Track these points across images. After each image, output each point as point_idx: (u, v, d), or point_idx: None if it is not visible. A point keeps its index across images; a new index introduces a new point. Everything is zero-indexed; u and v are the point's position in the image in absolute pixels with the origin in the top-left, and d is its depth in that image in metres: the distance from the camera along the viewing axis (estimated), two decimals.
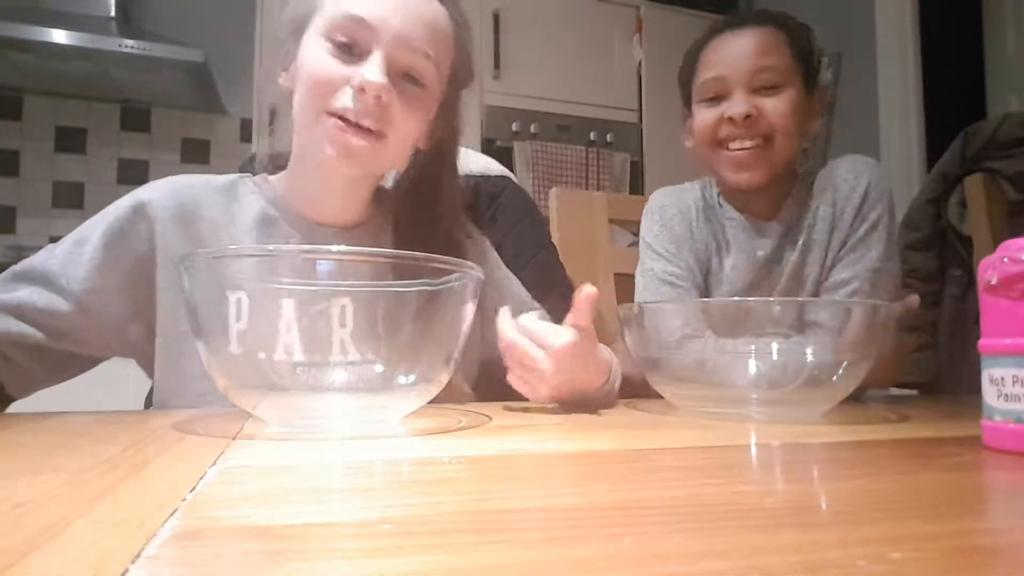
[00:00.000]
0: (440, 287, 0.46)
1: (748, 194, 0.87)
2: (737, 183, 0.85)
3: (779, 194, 0.87)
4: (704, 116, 0.85)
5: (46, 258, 0.64)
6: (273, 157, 0.75)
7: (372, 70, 0.61)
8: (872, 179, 0.85)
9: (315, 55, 0.63)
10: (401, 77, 0.64)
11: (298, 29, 0.67)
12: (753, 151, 0.82)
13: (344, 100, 0.62)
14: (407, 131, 0.66)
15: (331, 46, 0.63)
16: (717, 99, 0.84)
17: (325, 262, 0.43)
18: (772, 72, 0.82)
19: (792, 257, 0.86)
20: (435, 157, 0.74)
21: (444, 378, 0.48)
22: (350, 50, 0.63)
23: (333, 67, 0.62)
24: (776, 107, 0.82)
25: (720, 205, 0.91)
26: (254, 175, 0.75)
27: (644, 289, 0.90)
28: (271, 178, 0.75)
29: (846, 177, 0.86)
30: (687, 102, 0.91)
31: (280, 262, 0.46)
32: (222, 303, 0.41)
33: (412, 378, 0.46)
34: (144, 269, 0.65)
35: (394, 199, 0.77)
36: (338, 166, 0.65)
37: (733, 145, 0.83)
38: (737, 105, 0.82)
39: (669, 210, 0.92)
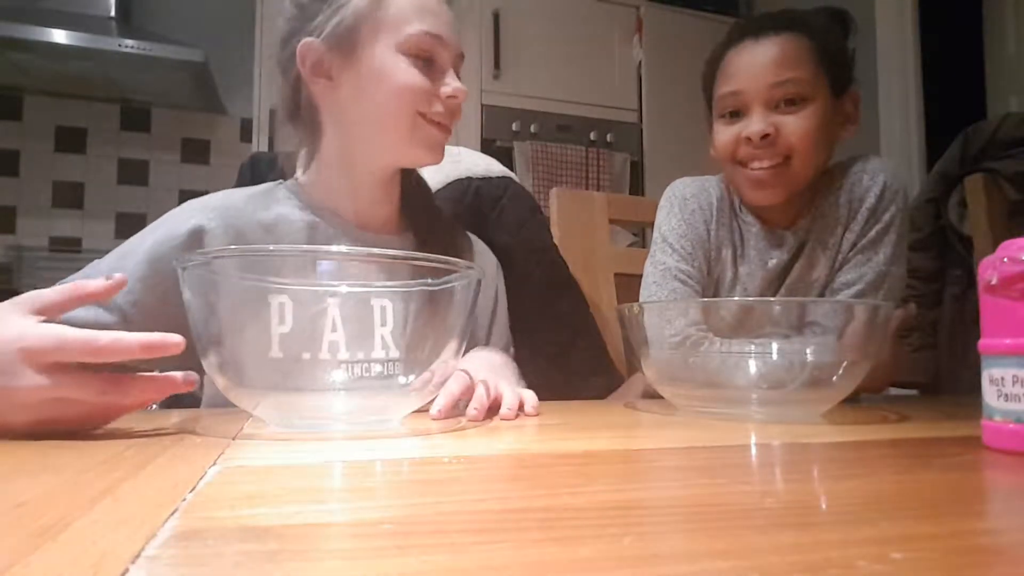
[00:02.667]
0: (440, 287, 0.46)
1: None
2: (756, 201, 0.83)
3: (799, 204, 0.84)
4: (722, 133, 0.82)
5: (90, 274, 0.66)
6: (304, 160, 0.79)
7: (455, 80, 0.72)
8: (888, 179, 0.81)
9: (402, 68, 0.70)
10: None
11: (345, 41, 0.70)
12: (772, 170, 0.78)
13: (436, 106, 0.71)
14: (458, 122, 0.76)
15: (411, 60, 0.70)
16: (735, 115, 0.81)
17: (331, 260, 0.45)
18: (792, 85, 0.77)
19: (802, 261, 0.84)
20: None
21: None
22: (428, 62, 0.71)
23: (422, 79, 0.70)
24: (797, 125, 0.77)
25: (739, 209, 0.88)
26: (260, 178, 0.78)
27: (654, 283, 0.86)
28: (303, 182, 0.78)
29: (860, 177, 0.82)
30: (710, 106, 0.87)
31: (288, 262, 0.46)
32: (261, 309, 0.42)
33: (412, 378, 0.46)
34: None
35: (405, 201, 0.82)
36: (425, 161, 0.75)
37: (752, 165, 0.79)
38: (754, 124, 0.78)
39: (690, 204, 0.87)
